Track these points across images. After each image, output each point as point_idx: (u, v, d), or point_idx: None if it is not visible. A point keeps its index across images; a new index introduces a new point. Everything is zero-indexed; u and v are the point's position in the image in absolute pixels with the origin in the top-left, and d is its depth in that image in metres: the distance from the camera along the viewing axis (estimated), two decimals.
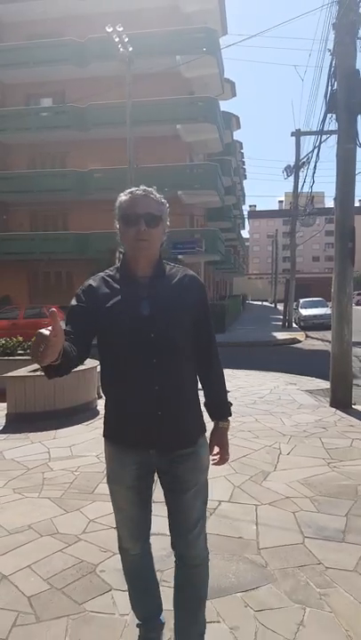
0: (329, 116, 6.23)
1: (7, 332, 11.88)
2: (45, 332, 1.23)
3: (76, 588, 2.34)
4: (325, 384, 7.27)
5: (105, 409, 1.77)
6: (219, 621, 2.11)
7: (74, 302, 1.67)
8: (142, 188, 1.68)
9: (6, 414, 5.29)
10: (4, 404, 5.51)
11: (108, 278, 1.70)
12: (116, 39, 14.77)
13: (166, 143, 20.25)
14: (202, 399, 1.81)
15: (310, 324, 20.91)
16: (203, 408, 1.81)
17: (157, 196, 1.68)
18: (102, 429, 1.77)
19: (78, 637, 2.01)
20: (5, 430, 4.99)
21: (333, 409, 5.97)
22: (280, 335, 18.02)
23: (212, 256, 21.35)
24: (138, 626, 1.94)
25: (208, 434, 1.81)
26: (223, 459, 1.83)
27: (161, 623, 1.94)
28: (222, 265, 30.60)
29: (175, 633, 1.82)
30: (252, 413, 5.72)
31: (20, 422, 5.10)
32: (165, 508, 1.76)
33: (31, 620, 2.13)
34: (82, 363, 1.60)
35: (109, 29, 14.52)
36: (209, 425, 1.83)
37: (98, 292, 1.66)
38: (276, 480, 3.68)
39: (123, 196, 1.67)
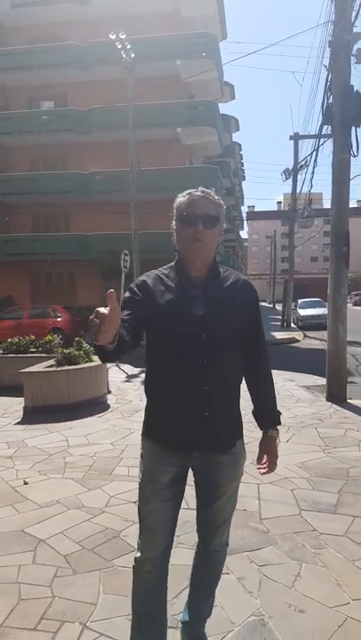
0: (325, 127, 6.61)
1: (12, 331, 12.19)
2: (104, 310, 1.26)
3: (104, 549, 2.71)
4: (322, 380, 7.63)
5: (147, 409, 1.75)
6: (228, 573, 2.48)
7: (127, 295, 1.66)
8: (201, 189, 1.68)
9: (23, 407, 5.66)
10: (21, 399, 5.88)
11: (162, 276, 1.70)
12: (119, 46, 15.12)
13: (167, 146, 20.61)
14: (249, 406, 1.81)
15: (308, 324, 21.29)
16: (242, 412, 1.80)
17: (215, 197, 1.68)
18: (142, 428, 1.78)
19: (110, 585, 2.39)
20: (24, 422, 5.37)
21: (329, 403, 6.35)
22: (279, 335, 18.40)
23: None
24: None
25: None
26: (272, 468, 1.81)
27: None
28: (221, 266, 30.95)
29: (189, 603, 1.93)
30: (250, 406, 6.08)
31: (37, 415, 5.47)
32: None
33: (69, 572, 2.51)
34: (134, 348, 1.58)
35: (112, 36, 14.87)
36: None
37: (151, 288, 1.66)
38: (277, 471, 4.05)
39: (181, 197, 1.68)
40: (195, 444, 1.65)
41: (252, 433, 1.99)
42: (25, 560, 2.62)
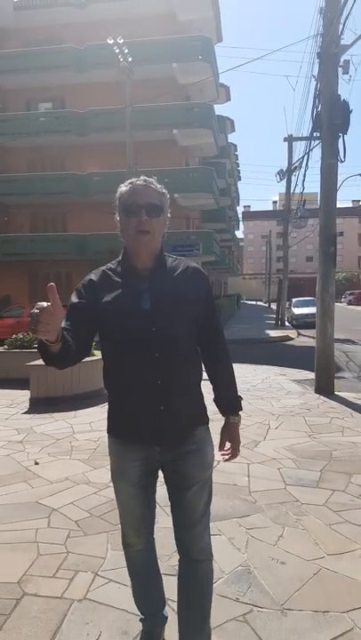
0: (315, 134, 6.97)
1: (13, 329, 12.48)
2: (44, 303, 1.26)
3: (110, 516, 3.06)
4: (312, 375, 7.97)
5: (108, 405, 1.75)
6: (220, 534, 2.84)
7: (74, 298, 1.64)
8: (143, 178, 1.65)
9: (30, 398, 6.00)
10: (27, 391, 6.22)
11: (109, 272, 1.68)
12: (117, 50, 15.44)
13: (163, 147, 20.95)
14: (211, 394, 1.81)
15: (302, 323, 21.67)
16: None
17: (158, 186, 1.65)
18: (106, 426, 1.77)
19: (117, 543, 2.73)
20: (31, 411, 5.72)
21: (317, 395, 6.72)
22: (273, 333, 18.80)
23: (208, 257, 22.09)
24: (141, 620, 1.93)
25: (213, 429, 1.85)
26: (234, 454, 1.81)
27: (164, 617, 1.93)
28: (217, 265, 31.34)
29: (180, 631, 1.78)
30: (245, 398, 6.33)
31: (43, 405, 5.81)
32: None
33: (80, 534, 2.86)
34: (80, 360, 1.56)
35: (110, 41, 15.18)
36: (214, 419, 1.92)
37: (98, 286, 1.64)
38: (264, 447, 4.42)
39: (123, 187, 1.64)
40: (153, 439, 1.63)
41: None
42: (41, 525, 2.97)
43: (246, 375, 8.40)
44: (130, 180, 1.64)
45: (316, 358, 6.97)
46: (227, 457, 1.80)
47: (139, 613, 1.94)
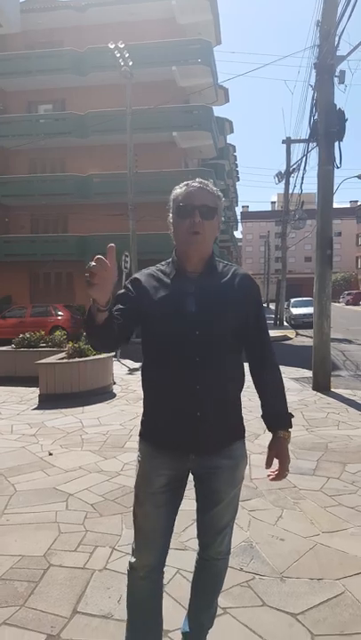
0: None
1: (15, 329, 12.78)
2: (103, 258, 1.27)
3: (123, 500, 3.32)
4: (310, 373, 8.25)
5: (144, 408, 1.71)
6: None
7: (122, 291, 1.64)
8: (198, 180, 1.63)
9: (39, 395, 6.26)
10: (34, 389, 6.48)
11: (157, 272, 1.66)
12: (117, 54, 15.69)
13: (162, 149, 21.18)
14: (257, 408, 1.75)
15: (300, 323, 21.94)
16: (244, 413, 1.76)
17: (213, 188, 1.62)
18: (139, 427, 1.75)
19: (131, 523, 3.00)
20: (40, 407, 5.98)
21: (315, 392, 7.00)
22: (272, 333, 18.82)
23: None
24: None
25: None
26: (282, 474, 1.73)
27: None
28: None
29: (189, 614, 1.86)
30: (245, 395, 6.67)
31: (51, 401, 6.07)
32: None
33: (96, 515, 3.12)
34: (118, 347, 1.55)
35: (111, 45, 15.43)
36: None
37: (145, 285, 1.62)
38: (265, 439, 4.68)
39: (178, 189, 1.63)
40: (188, 446, 1.59)
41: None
42: (60, 507, 3.23)
43: (246, 374, 8.65)
44: (185, 182, 1.62)
45: (313, 356, 7.25)
46: (273, 476, 1.73)
47: None
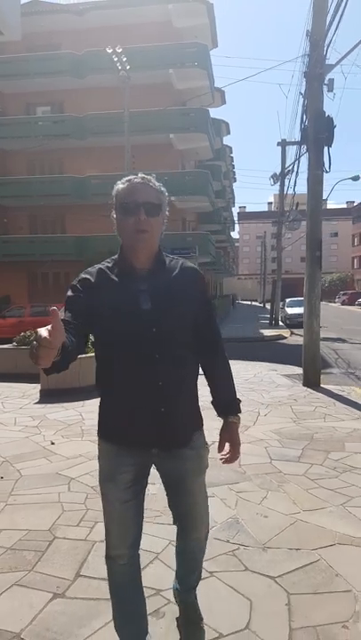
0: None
1: (15, 328, 13.03)
2: (44, 332, 1.18)
3: None
4: (302, 370, 8.57)
5: (100, 408, 1.71)
6: (213, 496, 3.37)
7: (70, 293, 1.60)
8: (141, 175, 1.61)
9: (40, 390, 6.53)
10: (35, 384, 6.76)
11: (105, 270, 1.63)
12: (115, 59, 15.95)
13: (160, 151, 21.47)
14: (208, 396, 1.80)
15: (295, 322, 22.18)
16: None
17: (157, 184, 1.61)
18: (98, 428, 1.74)
19: None
20: (42, 402, 6.26)
21: (305, 387, 7.29)
22: (267, 332, 19.39)
23: (204, 258, 22.65)
24: None
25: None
26: (234, 456, 1.79)
27: None
28: (213, 266, 31.91)
29: (177, 574, 1.99)
30: (238, 390, 6.99)
31: (52, 396, 6.34)
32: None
33: (96, 496, 3.37)
34: (80, 352, 1.50)
35: (109, 50, 15.69)
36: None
37: (95, 284, 1.59)
38: (254, 430, 4.97)
39: (120, 185, 1.60)
40: (153, 441, 1.62)
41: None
42: (63, 489, 3.51)
43: (239, 371, 8.95)
44: (127, 178, 1.60)
45: (303, 354, 7.54)
46: (225, 459, 1.79)
47: None
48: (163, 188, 1.64)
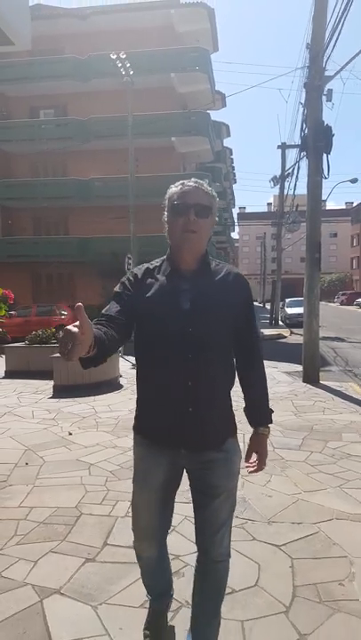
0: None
1: (21, 327, 13.36)
2: (73, 328, 1.19)
3: None
4: (301, 367, 8.90)
5: (137, 402, 1.75)
6: None
7: (118, 289, 1.67)
8: (194, 179, 1.65)
9: (53, 386, 6.86)
10: (48, 381, 7.09)
11: (152, 269, 1.69)
12: (119, 64, 16.28)
13: (162, 154, 21.81)
14: (242, 403, 1.79)
15: (295, 322, 22.50)
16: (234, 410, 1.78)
17: (208, 188, 1.64)
18: (133, 422, 1.80)
19: None
20: (55, 397, 6.59)
21: (305, 384, 7.61)
22: (267, 332, 19.69)
23: None
24: (148, 599, 2.00)
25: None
26: (260, 467, 1.78)
27: (171, 595, 2.01)
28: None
29: (192, 628, 1.81)
30: (239, 386, 7.36)
31: (65, 391, 6.67)
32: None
33: (115, 479, 3.72)
34: (121, 345, 1.57)
35: (113, 56, 16.02)
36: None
37: (141, 281, 1.65)
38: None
39: (173, 188, 1.65)
40: (179, 441, 1.63)
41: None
42: (84, 474, 3.83)
43: None
44: (180, 182, 1.65)
45: (303, 351, 7.87)
46: (252, 469, 1.79)
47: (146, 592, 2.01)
48: (214, 193, 1.67)
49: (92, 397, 6.41)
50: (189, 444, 1.64)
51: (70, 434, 4.87)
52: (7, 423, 5.31)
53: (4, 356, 8.49)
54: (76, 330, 1.19)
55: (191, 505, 1.77)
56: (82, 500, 3.38)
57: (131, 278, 1.68)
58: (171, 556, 2.65)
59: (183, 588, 2.36)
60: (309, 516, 3.16)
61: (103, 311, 1.60)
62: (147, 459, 1.71)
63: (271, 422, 1.82)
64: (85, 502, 3.34)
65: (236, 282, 1.70)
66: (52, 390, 6.86)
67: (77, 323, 1.20)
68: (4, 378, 8.11)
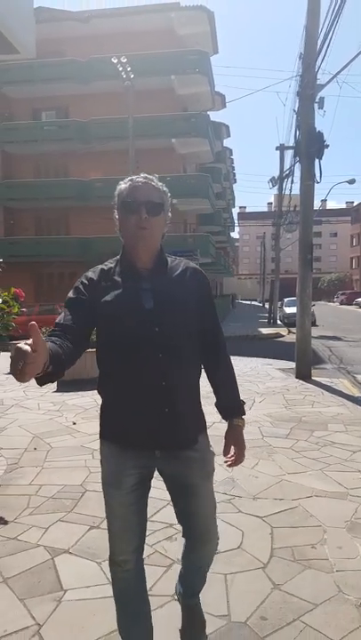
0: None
1: (24, 326, 13.66)
2: (24, 346, 1.12)
3: None
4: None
5: (102, 409, 1.71)
6: None
7: (72, 295, 1.61)
8: (143, 175, 1.61)
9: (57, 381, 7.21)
10: None
11: (108, 271, 1.64)
12: (120, 68, 16.63)
13: (162, 155, 22.12)
14: (212, 399, 1.79)
15: (293, 321, 22.58)
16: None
17: (158, 183, 1.61)
18: (99, 430, 1.74)
19: None
20: (59, 390, 6.96)
21: (297, 379, 7.97)
22: (265, 330, 20.07)
23: (204, 259, 23.32)
24: None
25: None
26: (239, 459, 1.78)
27: None
28: (213, 266, 32.52)
29: (180, 577, 1.96)
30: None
31: (69, 386, 7.02)
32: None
33: None
34: (80, 356, 1.51)
35: (114, 60, 16.37)
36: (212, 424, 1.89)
37: (97, 284, 1.60)
38: (248, 414, 5.56)
39: (122, 184, 1.61)
40: (156, 442, 1.60)
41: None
42: (88, 457, 4.20)
43: (237, 365, 9.57)
44: (129, 177, 1.62)
45: (296, 349, 8.23)
46: (230, 462, 1.79)
47: None
48: (165, 188, 1.64)
49: (94, 391, 6.73)
50: (165, 444, 1.61)
51: (74, 423, 5.23)
52: (15, 414, 5.68)
53: (8, 353, 8.85)
54: (27, 348, 1.12)
55: None
56: (86, 479, 3.74)
57: (85, 282, 1.62)
58: (164, 524, 3.03)
59: (176, 550, 2.72)
60: (291, 493, 3.52)
61: (57, 320, 1.55)
62: (117, 463, 1.65)
63: (244, 413, 1.79)
64: (89, 481, 3.70)
65: (194, 277, 1.68)
66: (55, 385, 7.21)
67: (30, 341, 1.14)
68: (8, 374, 8.46)
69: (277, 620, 2.17)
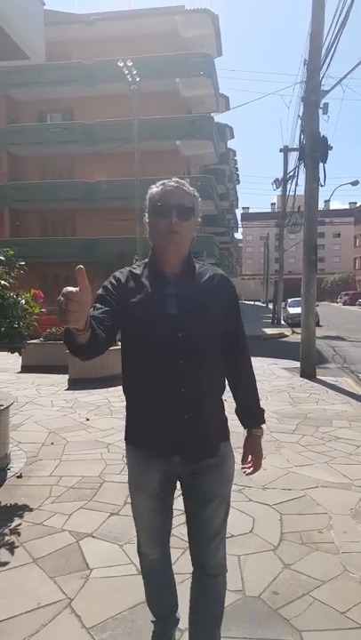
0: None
1: (45, 325, 13.90)
2: (72, 288, 1.13)
3: None
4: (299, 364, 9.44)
5: (127, 411, 1.72)
6: None
7: (101, 292, 1.60)
8: (175, 179, 1.62)
9: (69, 379, 7.44)
10: (62, 375, 7.67)
11: (135, 273, 1.64)
12: (126, 71, 16.85)
13: (166, 157, 22.31)
14: (233, 405, 1.78)
15: (297, 321, 22.80)
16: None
17: (190, 188, 1.61)
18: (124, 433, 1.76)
19: None
20: (71, 389, 7.17)
21: (302, 378, 8.15)
22: (269, 331, 20.22)
23: (208, 260, 23.50)
24: (153, 622, 1.92)
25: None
26: (257, 468, 1.79)
27: (176, 619, 1.92)
28: (217, 267, 32.75)
29: (190, 636, 1.79)
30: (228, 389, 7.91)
31: (80, 384, 7.24)
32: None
33: None
34: (107, 347, 1.45)
35: (120, 64, 16.59)
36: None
37: (125, 285, 1.60)
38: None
39: (154, 188, 1.61)
40: (173, 449, 1.60)
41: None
42: (103, 451, 4.39)
43: None
44: (161, 182, 1.61)
45: (301, 348, 8.40)
46: (249, 471, 1.79)
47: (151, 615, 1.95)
48: (196, 193, 1.64)
49: (105, 389, 6.97)
50: (184, 452, 1.60)
51: (88, 419, 5.43)
52: (30, 410, 5.88)
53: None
54: (74, 290, 1.13)
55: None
56: (103, 470, 3.94)
57: (114, 282, 1.63)
58: (179, 511, 3.22)
59: None
60: (298, 484, 3.71)
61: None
62: (141, 467, 1.67)
63: (264, 422, 1.81)
64: (107, 472, 3.90)
65: (221, 284, 1.68)
66: (67, 383, 7.43)
67: (78, 286, 1.14)
68: (20, 372, 8.68)
69: (288, 594, 2.36)
